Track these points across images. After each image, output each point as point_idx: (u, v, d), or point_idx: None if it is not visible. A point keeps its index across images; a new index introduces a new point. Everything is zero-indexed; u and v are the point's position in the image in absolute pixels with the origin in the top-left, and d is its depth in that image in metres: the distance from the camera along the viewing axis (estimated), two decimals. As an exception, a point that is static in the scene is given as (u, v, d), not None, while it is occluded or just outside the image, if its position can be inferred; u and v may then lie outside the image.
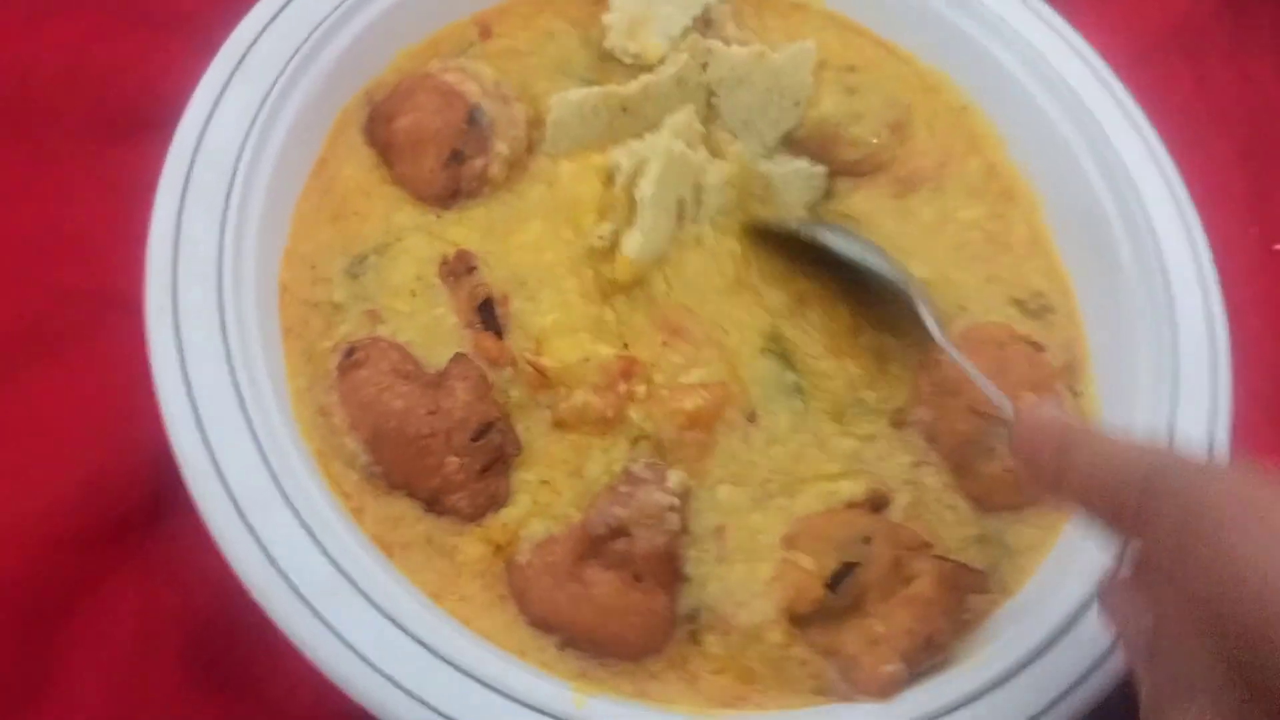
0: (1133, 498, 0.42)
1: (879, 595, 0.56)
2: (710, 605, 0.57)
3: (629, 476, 0.58)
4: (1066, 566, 0.60)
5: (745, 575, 0.58)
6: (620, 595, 0.55)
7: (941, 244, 0.72)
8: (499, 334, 0.62)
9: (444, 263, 0.63)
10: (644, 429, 0.61)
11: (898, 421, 0.64)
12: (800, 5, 0.79)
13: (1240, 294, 0.69)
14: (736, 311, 0.66)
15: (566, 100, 0.67)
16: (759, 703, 0.56)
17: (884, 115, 0.73)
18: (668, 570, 0.56)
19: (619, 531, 0.55)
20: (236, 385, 0.55)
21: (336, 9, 0.67)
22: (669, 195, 0.65)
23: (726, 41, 0.71)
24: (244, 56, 0.63)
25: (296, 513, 0.53)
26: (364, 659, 0.50)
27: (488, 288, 0.63)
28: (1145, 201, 0.70)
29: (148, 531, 0.62)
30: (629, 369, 0.61)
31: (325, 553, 0.52)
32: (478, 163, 0.65)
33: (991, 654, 0.57)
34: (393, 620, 0.52)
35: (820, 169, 0.72)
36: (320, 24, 0.66)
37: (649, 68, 0.70)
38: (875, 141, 0.73)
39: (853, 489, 0.61)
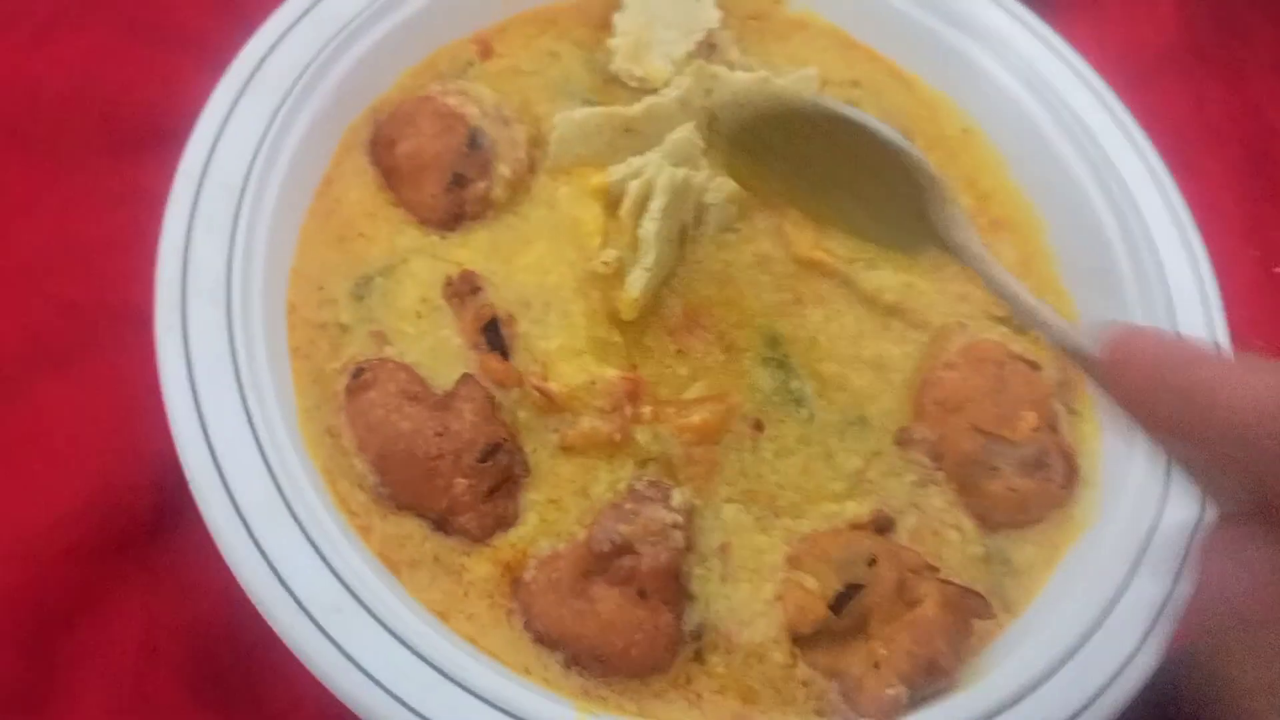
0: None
1: (882, 618, 0.56)
2: (715, 624, 0.57)
3: (633, 494, 0.58)
4: (1071, 584, 0.61)
5: (749, 594, 0.58)
6: (625, 611, 0.55)
7: (921, 262, 0.69)
8: (504, 354, 0.62)
9: (448, 283, 0.64)
10: (651, 451, 0.61)
11: (902, 440, 0.64)
12: (802, 24, 0.79)
13: (1240, 315, 0.70)
14: (736, 312, 0.66)
15: (570, 119, 0.68)
16: (761, 723, 0.56)
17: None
18: (672, 587, 0.56)
19: (624, 548, 0.55)
20: (245, 403, 0.55)
21: (344, 28, 0.67)
22: (672, 225, 0.65)
23: (730, 66, 0.71)
24: (252, 75, 0.64)
25: (303, 529, 0.53)
26: (369, 675, 0.50)
27: (493, 308, 0.63)
28: (1147, 222, 0.70)
29: (153, 545, 0.62)
30: (634, 390, 0.61)
31: (331, 569, 0.52)
32: (480, 185, 0.66)
33: (995, 680, 0.56)
34: (397, 637, 0.52)
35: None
36: (329, 43, 0.66)
37: (653, 91, 0.71)
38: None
39: (858, 510, 0.61)
